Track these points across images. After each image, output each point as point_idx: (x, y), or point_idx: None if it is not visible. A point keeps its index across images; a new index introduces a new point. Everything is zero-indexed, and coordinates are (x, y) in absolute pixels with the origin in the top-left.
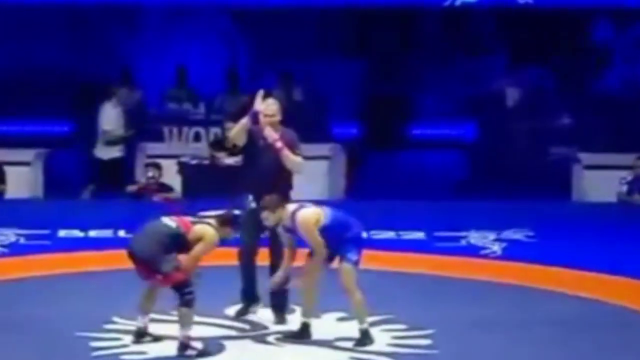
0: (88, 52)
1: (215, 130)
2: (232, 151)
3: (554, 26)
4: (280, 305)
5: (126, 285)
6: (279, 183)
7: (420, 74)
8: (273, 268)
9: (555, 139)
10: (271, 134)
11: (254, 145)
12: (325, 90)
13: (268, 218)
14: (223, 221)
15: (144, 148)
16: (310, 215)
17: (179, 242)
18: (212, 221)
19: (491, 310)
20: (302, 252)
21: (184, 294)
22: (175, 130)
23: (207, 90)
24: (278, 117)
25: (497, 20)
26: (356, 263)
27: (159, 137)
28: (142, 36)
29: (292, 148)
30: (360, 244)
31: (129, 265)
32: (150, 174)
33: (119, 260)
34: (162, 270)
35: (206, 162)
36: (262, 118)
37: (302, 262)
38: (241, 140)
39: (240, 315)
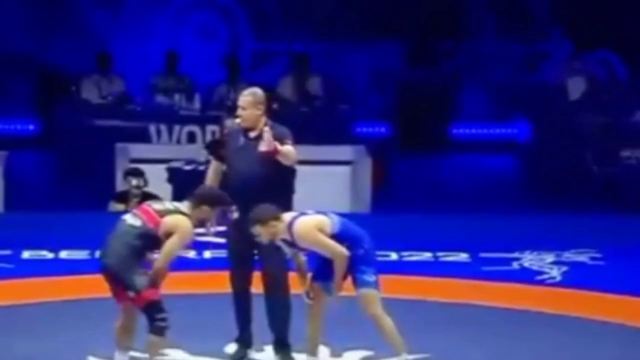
0: (55, 35)
1: (212, 129)
2: None
3: (624, 4)
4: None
5: (104, 316)
6: (270, 187)
7: (463, 62)
8: (268, 298)
9: (628, 140)
10: (267, 138)
11: (232, 145)
12: (348, 80)
13: (260, 233)
14: (197, 200)
15: (126, 150)
16: (309, 221)
17: (150, 241)
18: (184, 208)
19: (548, 347)
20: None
21: (156, 320)
22: (164, 128)
23: (203, 80)
24: (255, 112)
25: None
26: (376, 285)
27: (144, 137)
28: (122, 14)
29: (280, 140)
30: (375, 263)
31: (109, 292)
32: (134, 182)
33: (96, 286)
34: (135, 286)
35: (202, 167)
36: (238, 111)
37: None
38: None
39: None
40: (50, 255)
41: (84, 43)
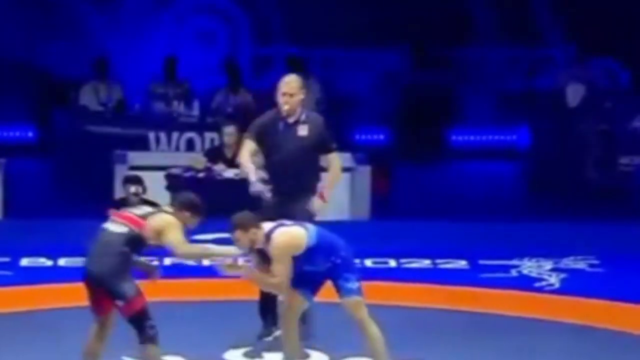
0: (53, 41)
1: (211, 136)
2: (232, 162)
3: (628, 9)
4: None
5: None
6: (308, 171)
7: (463, 67)
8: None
9: (627, 147)
10: (318, 206)
11: (272, 130)
12: (347, 85)
13: (239, 239)
14: (180, 205)
15: (124, 158)
16: (288, 233)
17: (138, 244)
18: (167, 208)
19: (547, 354)
20: None
21: (146, 328)
22: (162, 135)
23: (202, 85)
24: (300, 96)
25: (557, 1)
26: (359, 291)
27: (142, 144)
28: (120, 19)
29: (323, 143)
30: (355, 269)
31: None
32: (132, 189)
33: None
34: (124, 295)
35: (201, 175)
36: (280, 97)
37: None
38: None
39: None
40: (48, 262)
41: (82, 49)
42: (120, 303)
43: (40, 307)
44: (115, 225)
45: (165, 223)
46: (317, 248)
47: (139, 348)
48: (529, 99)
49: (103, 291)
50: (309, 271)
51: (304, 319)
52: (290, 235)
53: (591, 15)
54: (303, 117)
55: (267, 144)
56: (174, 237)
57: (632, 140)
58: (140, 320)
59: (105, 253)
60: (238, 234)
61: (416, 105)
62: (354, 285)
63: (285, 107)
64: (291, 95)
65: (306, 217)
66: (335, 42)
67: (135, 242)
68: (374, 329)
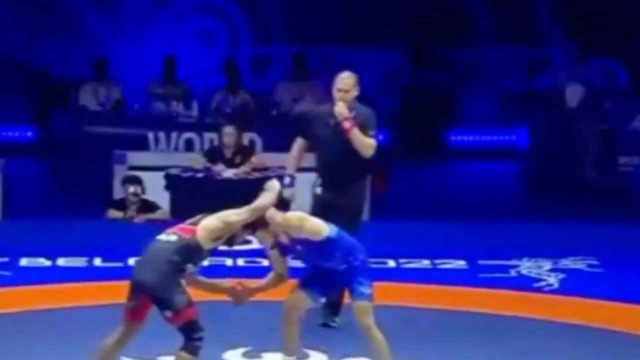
0: (52, 41)
1: (211, 137)
2: (231, 162)
3: (627, 9)
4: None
5: (102, 324)
6: (357, 166)
7: (462, 67)
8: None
9: (626, 147)
10: (341, 111)
11: (323, 126)
12: None
13: (264, 237)
14: None
15: (123, 158)
16: (307, 215)
17: (189, 252)
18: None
19: (545, 354)
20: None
21: (193, 339)
22: (162, 135)
23: (201, 85)
24: (354, 93)
25: (556, 1)
26: (370, 297)
27: (142, 144)
28: (120, 20)
29: (364, 128)
30: (371, 274)
31: (108, 300)
32: (131, 189)
33: (96, 294)
34: (175, 305)
35: (200, 175)
36: (335, 93)
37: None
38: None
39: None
40: (47, 262)
41: (82, 49)
42: (168, 314)
43: (39, 308)
44: (166, 236)
45: (217, 216)
46: (336, 243)
47: (177, 349)
48: (528, 99)
49: (150, 300)
50: (325, 268)
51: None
52: (307, 216)
53: (590, 15)
54: (353, 113)
55: (315, 138)
56: (233, 214)
57: (631, 140)
58: (188, 331)
59: (155, 261)
60: (261, 233)
61: (415, 105)
62: (366, 290)
63: (340, 104)
64: (346, 91)
65: (351, 211)
66: (334, 42)
67: (186, 250)
68: (379, 336)
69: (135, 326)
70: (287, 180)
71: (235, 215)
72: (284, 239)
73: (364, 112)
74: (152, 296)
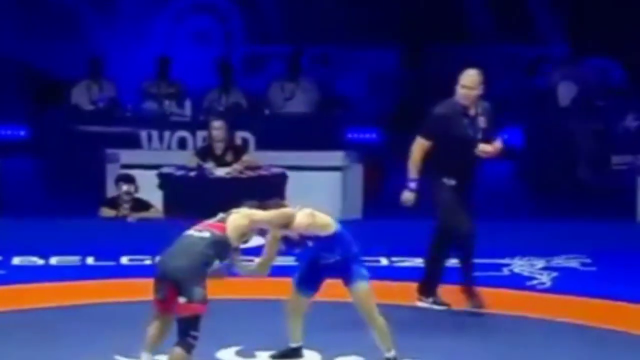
0: (46, 40)
1: (203, 135)
2: (222, 160)
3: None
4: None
5: (96, 322)
6: (476, 159)
7: (458, 67)
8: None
9: (619, 146)
10: (485, 151)
11: (457, 123)
12: (341, 84)
13: (292, 232)
14: (266, 207)
15: (116, 156)
16: (314, 212)
17: (220, 248)
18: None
19: (538, 353)
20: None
21: (189, 336)
22: (154, 134)
23: (194, 84)
24: (478, 91)
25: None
26: (369, 279)
27: (134, 143)
28: (115, 19)
29: (490, 124)
30: (363, 264)
31: (103, 299)
32: (124, 188)
33: (88, 293)
34: (191, 294)
35: (192, 173)
36: (459, 89)
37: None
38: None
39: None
40: (40, 261)
41: (76, 48)
42: (182, 300)
43: (32, 306)
44: (198, 232)
45: (243, 213)
46: (340, 237)
47: (170, 347)
48: (521, 98)
49: (175, 287)
50: (319, 264)
51: None
52: (315, 212)
53: (584, 14)
54: (479, 109)
55: (450, 135)
56: (260, 213)
57: (624, 139)
58: (188, 326)
59: (187, 252)
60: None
61: (410, 104)
62: (365, 272)
63: (466, 101)
64: (471, 88)
65: (471, 194)
66: (329, 41)
67: (218, 246)
68: (381, 321)
69: (169, 316)
70: (412, 185)
71: (261, 214)
72: (293, 235)
73: (489, 109)
74: (177, 282)
